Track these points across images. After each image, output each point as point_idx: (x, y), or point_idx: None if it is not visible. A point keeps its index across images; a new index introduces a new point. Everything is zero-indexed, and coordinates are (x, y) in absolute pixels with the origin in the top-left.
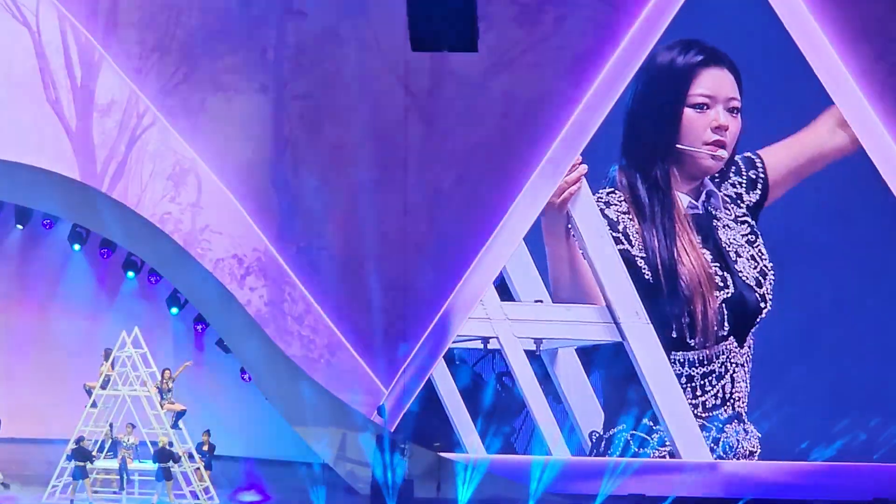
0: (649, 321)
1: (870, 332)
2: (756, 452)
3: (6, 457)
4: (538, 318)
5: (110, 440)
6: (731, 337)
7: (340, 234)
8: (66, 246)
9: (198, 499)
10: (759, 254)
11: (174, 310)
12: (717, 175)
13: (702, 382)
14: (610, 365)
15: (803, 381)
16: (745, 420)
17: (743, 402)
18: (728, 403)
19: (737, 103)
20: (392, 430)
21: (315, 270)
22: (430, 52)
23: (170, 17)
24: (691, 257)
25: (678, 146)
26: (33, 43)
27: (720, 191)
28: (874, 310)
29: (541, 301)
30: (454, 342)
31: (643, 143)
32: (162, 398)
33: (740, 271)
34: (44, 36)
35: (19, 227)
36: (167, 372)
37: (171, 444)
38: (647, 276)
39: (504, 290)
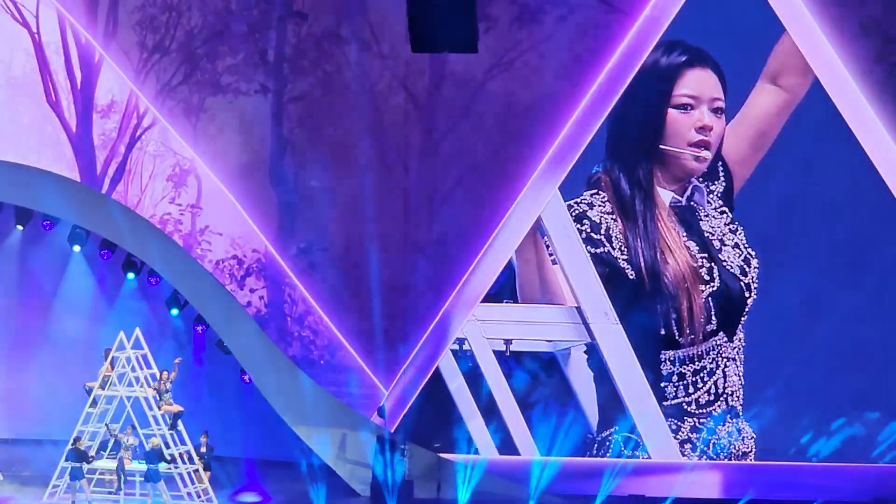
0: (618, 321)
1: (868, 328)
2: (749, 453)
3: (6, 457)
4: (507, 318)
5: (113, 440)
6: (721, 332)
7: (341, 235)
8: (66, 247)
9: (193, 500)
10: (743, 242)
11: (174, 311)
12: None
13: (693, 380)
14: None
15: (800, 376)
16: (740, 416)
17: (737, 397)
18: (721, 398)
19: (721, 104)
20: (392, 431)
21: (315, 271)
22: (429, 53)
23: (170, 19)
24: (676, 255)
25: (662, 146)
26: (33, 44)
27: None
28: (871, 305)
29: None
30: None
31: (627, 144)
32: (160, 399)
33: (724, 260)
34: (44, 37)
35: (19, 227)
36: (165, 373)
37: (167, 444)
38: (630, 277)
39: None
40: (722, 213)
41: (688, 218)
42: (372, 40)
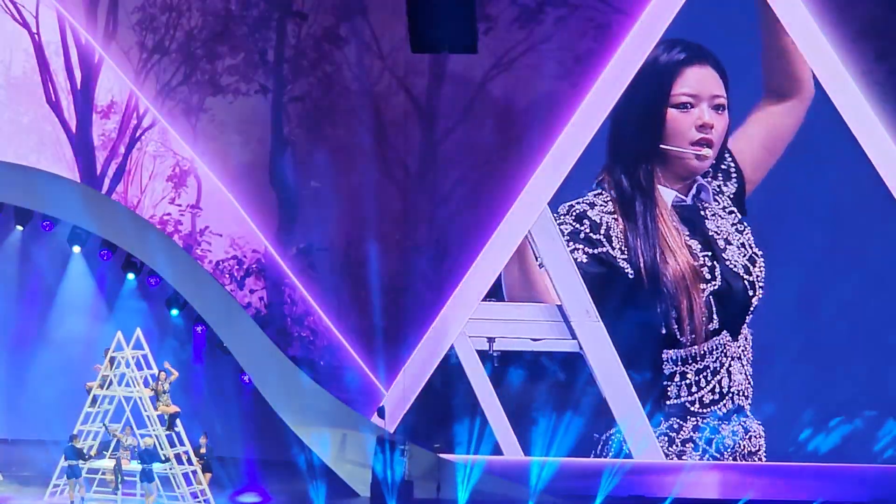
0: (599, 319)
1: (870, 329)
2: (757, 453)
3: (6, 457)
4: (489, 317)
5: (115, 440)
6: (725, 330)
7: (340, 236)
8: (66, 247)
9: (187, 500)
10: (749, 242)
11: (174, 311)
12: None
13: (696, 379)
14: None
15: (800, 375)
16: (749, 416)
17: (744, 396)
18: (727, 398)
19: (722, 100)
20: (392, 431)
21: (315, 272)
22: (429, 54)
23: (170, 19)
24: (676, 255)
25: (662, 146)
26: (33, 44)
27: (712, 187)
28: (871, 303)
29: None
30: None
31: (627, 143)
32: (158, 400)
33: (728, 259)
34: (44, 37)
35: (19, 227)
36: (163, 374)
37: (161, 445)
38: (630, 276)
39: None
40: (730, 213)
41: (691, 217)
42: (372, 41)
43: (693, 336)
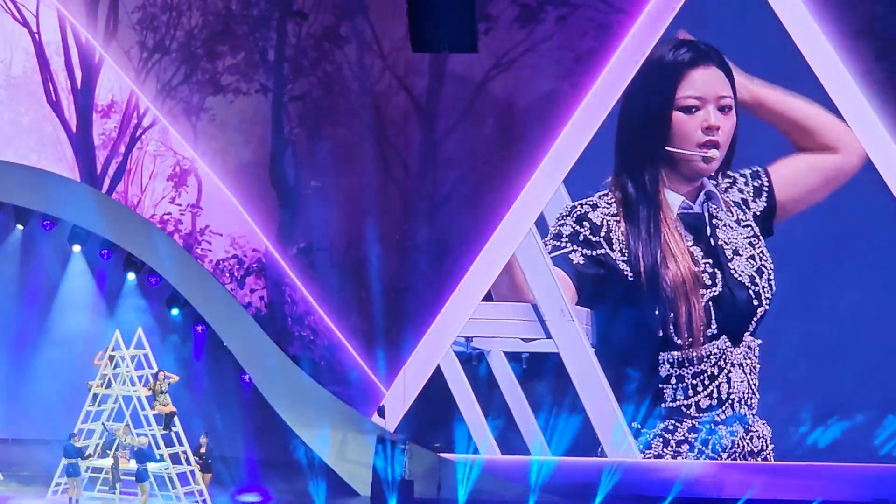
0: (573, 318)
1: (868, 326)
2: (760, 453)
3: (6, 457)
4: (465, 315)
5: (118, 440)
6: (724, 336)
7: (341, 235)
8: (67, 246)
9: (181, 500)
10: (761, 254)
11: (174, 311)
12: (725, 179)
13: (693, 382)
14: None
15: (803, 372)
16: (751, 420)
17: (745, 403)
18: (726, 404)
19: (729, 101)
20: (392, 431)
21: (315, 271)
22: (430, 53)
23: (170, 19)
24: (677, 259)
25: (668, 149)
26: (33, 44)
27: (728, 195)
28: (870, 303)
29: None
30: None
31: (633, 146)
32: (155, 400)
33: (733, 269)
34: (44, 37)
35: (20, 227)
36: (162, 374)
37: (158, 444)
38: (629, 279)
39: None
40: (746, 226)
41: (697, 224)
42: (372, 40)
43: (690, 340)
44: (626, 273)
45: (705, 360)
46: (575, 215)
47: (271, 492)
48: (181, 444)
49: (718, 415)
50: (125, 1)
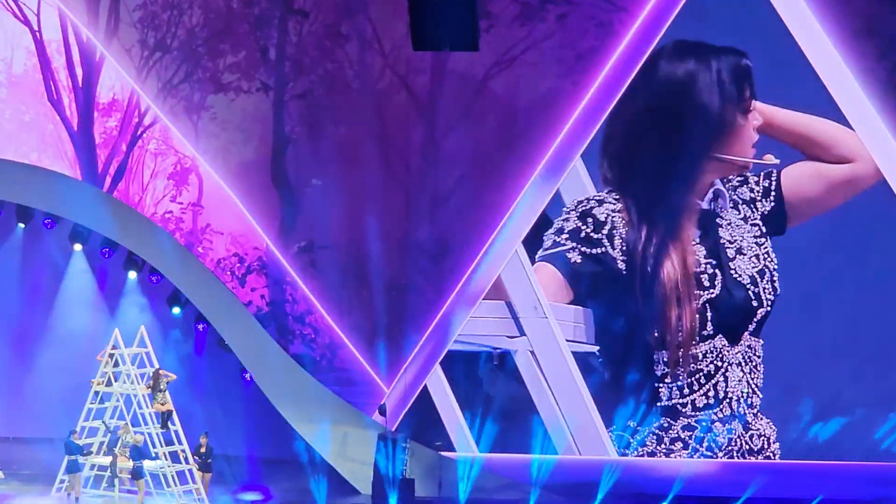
0: (546, 315)
1: (868, 325)
2: (762, 452)
3: (8, 455)
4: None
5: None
6: (720, 335)
7: (342, 234)
8: (68, 245)
9: (175, 498)
10: (766, 255)
11: (175, 309)
12: (739, 178)
13: (689, 381)
14: (602, 369)
15: (804, 369)
16: (751, 420)
17: (743, 402)
18: (724, 403)
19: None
20: (393, 429)
21: (316, 270)
22: (431, 51)
23: (171, 17)
24: (676, 259)
25: (726, 156)
26: (34, 42)
27: (738, 193)
28: (871, 302)
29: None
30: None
31: (652, 153)
32: (152, 398)
33: (734, 269)
34: (45, 35)
35: (21, 225)
36: (160, 372)
37: (154, 443)
38: (626, 277)
39: None
40: (753, 225)
41: (706, 222)
42: (373, 38)
43: (684, 339)
44: (623, 272)
45: (701, 359)
46: (580, 210)
47: (272, 490)
48: (180, 442)
49: (715, 413)
50: None
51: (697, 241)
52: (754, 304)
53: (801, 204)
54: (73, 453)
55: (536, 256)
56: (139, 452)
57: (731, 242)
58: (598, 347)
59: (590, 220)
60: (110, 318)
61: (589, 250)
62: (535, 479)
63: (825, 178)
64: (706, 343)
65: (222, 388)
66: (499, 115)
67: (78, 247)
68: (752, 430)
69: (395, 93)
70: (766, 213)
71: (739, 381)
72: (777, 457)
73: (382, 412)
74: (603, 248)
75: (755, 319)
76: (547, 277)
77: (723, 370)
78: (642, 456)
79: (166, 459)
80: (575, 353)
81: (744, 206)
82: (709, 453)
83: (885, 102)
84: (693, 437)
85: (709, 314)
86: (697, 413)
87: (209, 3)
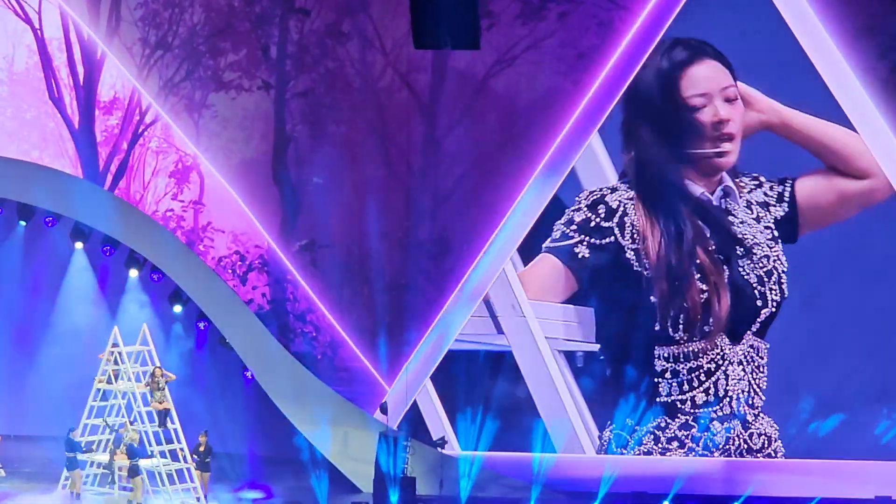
0: (524, 314)
1: (869, 325)
2: (762, 451)
3: (9, 454)
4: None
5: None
6: (721, 333)
7: (343, 232)
8: (69, 243)
9: (168, 496)
10: (776, 258)
11: (177, 307)
12: (752, 179)
13: (689, 377)
14: (601, 368)
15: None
16: (751, 420)
17: (744, 401)
18: (724, 401)
19: (733, 90)
20: (394, 428)
21: (317, 268)
22: (432, 50)
23: (172, 15)
24: (684, 253)
25: (687, 152)
26: (36, 40)
27: (752, 195)
28: (872, 302)
29: None
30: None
31: (649, 146)
32: (152, 396)
33: (741, 267)
34: (46, 33)
35: (22, 223)
36: (158, 370)
37: (150, 441)
38: (634, 268)
39: None
40: (767, 227)
41: (717, 218)
42: (374, 37)
43: (687, 335)
44: (631, 262)
45: (702, 355)
46: (591, 199)
47: (274, 488)
48: (179, 441)
49: (715, 411)
50: None
51: (706, 236)
52: (759, 303)
53: (814, 213)
54: (71, 450)
55: (543, 246)
56: (134, 451)
57: (740, 241)
58: (595, 346)
59: (601, 207)
60: (112, 316)
61: (598, 241)
62: (536, 477)
63: (840, 190)
64: (706, 339)
65: (223, 386)
66: (500, 113)
67: (79, 245)
68: (751, 429)
69: (396, 91)
70: (778, 217)
71: (740, 379)
72: (780, 456)
73: (384, 410)
74: (612, 237)
75: (759, 319)
76: (548, 268)
77: (723, 368)
78: (638, 455)
79: (166, 457)
80: (570, 352)
81: (756, 206)
82: (706, 453)
83: (885, 101)
84: (690, 436)
85: (711, 310)
86: (696, 410)
87: (210, 1)
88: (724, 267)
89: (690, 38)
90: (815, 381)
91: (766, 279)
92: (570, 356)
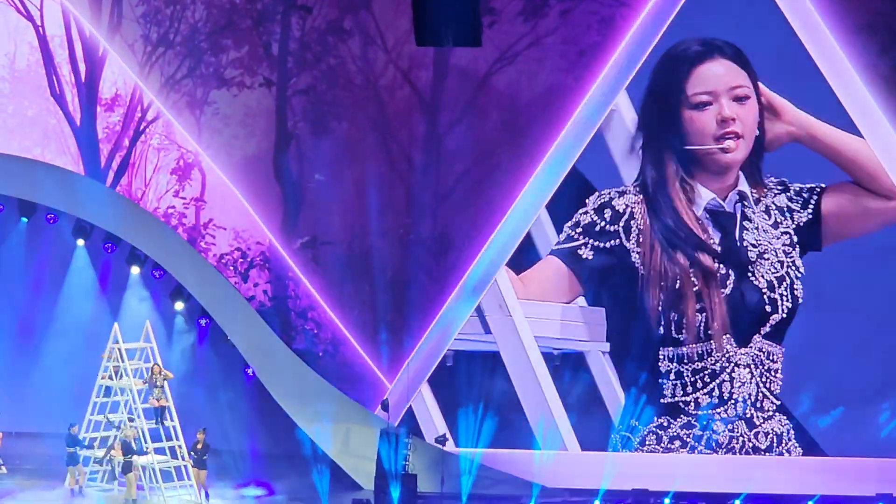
0: (511, 314)
1: (869, 325)
2: (770, 449)
3: (9, 451)
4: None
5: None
6: (727, 335)
7: (344, 229)
8: (71, 240)
9: (162, 493)
10: (791, 264)
11: (178, 304)
12: (778, 183)
13: (692, 379)
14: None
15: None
16: (758, 422)
17: (751, 404)
18: (728, 403)
19: (744, 90)
20: (395, 425)
21: (319, 265)
22: (433, 47)
23: (174, 12)
24: (690, 255)
25: (686, 147)
26: (37, 37)
27: (775, 199)
28: (874, 302)
29: None
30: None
31: (654, 144)
32: (150, 394)
33: (752, 272)
34: (48, 30)
35: (24, 220)
36: (157, 367)
37: (146, 438)
38: (639, 271)
39: None
40: (785, 233)
41: (725, 223)
42: (376, 34)
43: (690, 337)
44: (636, 264)
45: (706, 357)
46: (598, 203)
47: (275, 485)
48: (177, 438)
49: (718, 413)
50: None
51: (717, 240)
52: (768, 308)
53: (837, 224)
54: (71, 446)
55: (550, 248)
56: (129, 447)
57: (754, 245)
58: (605, 346)
59: (607, 211)
60: (113, 313)
61: (602, 244)
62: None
63: (865, 206)
64: (710, 342)
65: (225, 383)
66: (501, 110)
67: (81, 242)
68: (757, 428)
69: (398, 88)
70: (801, 224)
71: (746, 383)
72: (792, 454)
73: (385, 407)
74: (618, 240)
75: (768, 323)
76: (550, 271)
77: (729, 370)
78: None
79: (164, 455)
80: (569, 352)
81: (777, 212)
82: (708, 451)
83: (887, 98)
84: (692, 435)
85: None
86: (700, 412)
87: None
88: (727, 277)
89: (713, 38)
90: (816, 377)
91: (776, 285)
92: (574, 356)
